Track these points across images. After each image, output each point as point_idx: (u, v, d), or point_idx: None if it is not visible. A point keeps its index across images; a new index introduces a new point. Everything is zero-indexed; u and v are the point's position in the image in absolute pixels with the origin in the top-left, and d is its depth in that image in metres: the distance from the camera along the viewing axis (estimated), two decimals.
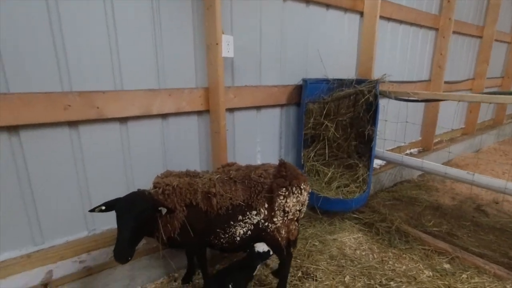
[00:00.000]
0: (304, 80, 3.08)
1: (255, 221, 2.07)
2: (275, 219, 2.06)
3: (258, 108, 3.11)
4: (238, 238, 2.09)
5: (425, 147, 5.26)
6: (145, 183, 2.50)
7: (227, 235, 2.07)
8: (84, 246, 2.32)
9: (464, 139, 6.02)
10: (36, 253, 2.14)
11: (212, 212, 2.00)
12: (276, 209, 2.02)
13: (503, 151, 6.61)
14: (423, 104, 5.21)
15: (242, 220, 2.05)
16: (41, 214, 2.14)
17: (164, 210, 1.81)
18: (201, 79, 2.64)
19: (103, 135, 2.25)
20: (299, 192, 2.06)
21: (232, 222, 2.05)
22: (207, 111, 2.71)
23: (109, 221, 2.43)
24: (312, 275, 2.56)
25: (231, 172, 2.14)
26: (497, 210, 3.88)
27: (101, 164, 2.29)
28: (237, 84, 2.87)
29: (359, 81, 3.16)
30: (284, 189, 2.00)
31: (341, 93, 3.00)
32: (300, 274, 2.56)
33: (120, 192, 2.42)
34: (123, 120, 2.32)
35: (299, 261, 2.73)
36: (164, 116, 2.52)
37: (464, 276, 2.53)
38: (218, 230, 2.05)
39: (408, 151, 5.14)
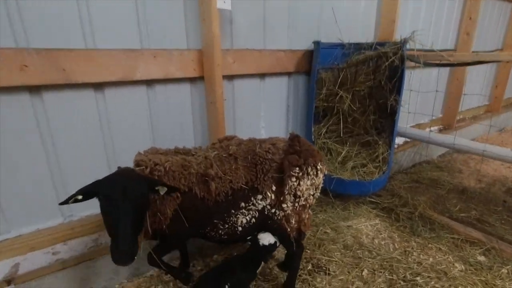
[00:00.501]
0: (316, 43, 2.61)
1: (260, 207, 1.71)
2: (284, 205, 1.70)
3: (262, 76, 2.67)
4: (240, 228, 1.74)
5: (447, 125, 4.78)
6: (130, 158, 2.14)
7: (226, 226, 1.72)
8: (59, 235, 1.99)
9: (488, 117, 5.49)
10: (0, 243, 1.82)
11: (209, 200, 1.63)
12: (286, 193, 1.66)
13: None
14: (446, 77, 4.69)
15: (245, 207, 1.70)
16: (5, 198, 1.80)
17: (162, 191, 1.44)
18: (194, 39, 2.21)
19: (74, 103, 1.87)
20: (315, 173, 1.67)
21: (233, 211, 1.69)
22: (201, 78, 2.29)
23: (88, 206, 2.09)
24: (324, 268, 2.21)
25: (230, 147, 1.75)
26: None
27: (74, 139, 1.92)
28: (237, 46, 2.43)
29: (379, 46, 2.68)
30: (297, 168, 1.62)
31: (360, 56, 2.54)
32: (310, 267, 2.21)
33: (101, 173, 2.07)
34: (99, 86, 1.92)
35: (308, 251, 2.38)
36: (149, 83, 2.12)
37: (503, 271, 2.15)
38: (216, 221, 1.69)
39: (427, 129, 4.67)
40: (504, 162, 2.42)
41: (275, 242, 1.80)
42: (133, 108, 2.09)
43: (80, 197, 1.32)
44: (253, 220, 1.73)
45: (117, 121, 2.05)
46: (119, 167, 1.55)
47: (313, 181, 1.69)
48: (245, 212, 1.70)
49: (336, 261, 2.28)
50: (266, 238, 1.78)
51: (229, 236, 1.76)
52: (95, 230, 2.11)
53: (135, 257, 1.31)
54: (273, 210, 1.72)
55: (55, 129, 1.85)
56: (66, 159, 1.93)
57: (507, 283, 2.04)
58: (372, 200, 3.05)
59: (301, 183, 1.64)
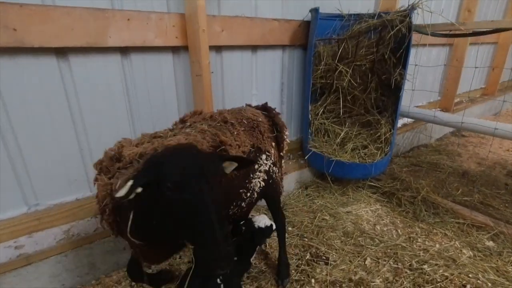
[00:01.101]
0: (314, 10, 2.34)
1: (267, 167, 1.64)
2: (282, 162, 1.81)
3: (253, 48, 2.41)
4: (255, 195, 1.60)
5: (445, 107, 4.62)
6: (105, 143, 1.87)
7: (248, 194, 1.54)
8: (23, 226, 1.73)
9: (484, 100, 5.37)
10: None
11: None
12: (284, 150, 1.78)
13: None
14: (445, 57, 4.50)
15: (257, 170, 1.58)
16: None
17: (230, 167, 1.13)
18: (176, 2, 1.92)
19: (33, 72, 1.58)
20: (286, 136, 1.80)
21: (251, 175, 1.53)
22: (185, 47, 2.01)
23: (56, 194, 1.83)
24: (323, 257, 2.03)
25: (223, 115, 1.53)
26: None
27: (34, 117, 1.64)
28: (224, 13, 2.15)
29: (381, 17, 2.43)
30: (286, 129, 1.77)
31: (362, 26, 2.29)
32: (308, 256, 2.02)
33: (71, 160, 1.82)
34: (61, 52, 1.63)
35: (306, 239, 2.19)
36: (124, 50, 1.83)
37: None
38: (241, 190, 1.50)
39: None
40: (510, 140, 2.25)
41: (271, 225, 1.68)
42: (105, 79, 1.81)
43: (140, 190, 0.96)
44: (263, 183, 1.61)
45: (87, 94, 1.77)
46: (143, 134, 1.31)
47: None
48: (259, 174, 1.59)
49: (336, 249, 2.10)
50: (262, 221, 1.65)
51: (248, 207, 1.61)
52: (66, 221, 1.86)
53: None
54: (274, 169, 1.71)
55: (9, 104, 1.56)
56: (25, 138, 1.65)
57: None
58: (372, 184, 2.87)
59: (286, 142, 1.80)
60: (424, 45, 3.88)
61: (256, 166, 1.57)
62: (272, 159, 1.66)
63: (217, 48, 2.20)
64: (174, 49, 2.01)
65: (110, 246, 1.87)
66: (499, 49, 5.42)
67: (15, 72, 1.53)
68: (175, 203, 0.96)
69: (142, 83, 1.95)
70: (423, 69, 3.56)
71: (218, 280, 1.42)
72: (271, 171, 1.68)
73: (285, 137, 1.75)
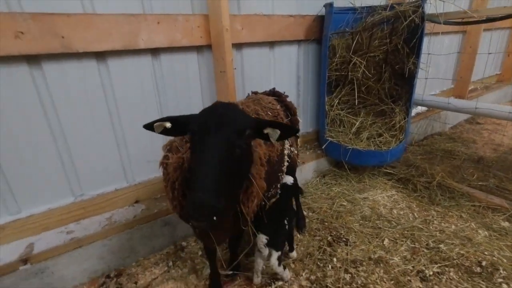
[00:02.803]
0: (329, 4, 2.44)
1: (286, 151, 1.76)
2: (298, 141, 2.04)
3: (271, 44, 2.53)
4: (283, 176, 1.78)
5: (459, 95, 4.62)
6: (137, 136, 2.05)
7: (281, 175, 1.71)
8: (71, 214, 1.93)
9: (500, 87, 5.32)
10: (12, 223, 1.76)
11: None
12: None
13: None
14: (458, 44, 4.50)
15: (282, 153, 1.70)
16: (12, 179, 1.72)
17: (274, 135, 1.09)
18: (199, 3, 2.06)
19: (77, 75, 1.75)
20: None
21: (281, 158, 1.68)
22: (208, 46, 2.15)
23: (98, 185, 2.02)
24: (344, 238, 2.15)
25: (253, 107, 1.66)
26: None
27: (79, 113, 1.82)
28: (244, 11, 2.28)
29: (394, 8, 2.50)
30: (296, 110, 1.94)
31: (375, 18, 2.37)
32: (329, 238, 2.16)
33: (108, 149, 2.00)
34: (101, 55, 1.80)
35: (326, 223, 2.32)
36: (154, 51, 1.99)
37: None
38: (279, 174, 1.66)
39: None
40: None
41: (295, 180, 1.99)
42: (138, 79, 1.98)
43: (168, 125, 1.06)
44: (287, 163, 1.77)
45: (123, 94, 1.94)
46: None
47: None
48: (285, 157, 1.73)
49: (355, 232, 2.22)
50: (288, 180, 1.91)
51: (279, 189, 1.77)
52: (108, 209, 2.05)
53: (215, 218, 0.95)
54: (291, 149, 1.85)
55: (58, 104, 1.74)
56: (72, 135, 1.83)
57: None
58: (387, 171, 2.97)
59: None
60: (437, 33, 3.91)
61: (281, 148, 1.67)
62: (290, 141, 1.83)
63: (238, 46, 2.33)
64: (198, 48, 2.16)
65: (148, 232, 2.05)
66: None
67: (60, 74, 1.71)
68: (193, 145, 1.07)
69: (170, 81, 2.11)
70: (436, 58, 3.60)
71: (285, 221, 1.73)
72: (290, 151, 1.85)
73: (299, 119, 1.93)
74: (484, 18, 2.13)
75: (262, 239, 1.62)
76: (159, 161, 1.38)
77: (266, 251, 1.63)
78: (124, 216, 2.03)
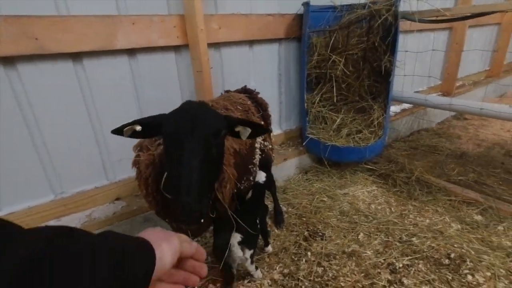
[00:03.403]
0: (306, 3, 2.48)
1: (260, 144, 1.84)
2: (271, 135, 2.05)
3: (250, 43, 2.57)
4: (256, 170, 1.82)
5: (446, 91, 4.67)
6: (118, 136, 2.09)
7: (254, 169, 1.75)
8: (52, 211, 1.98)
9: (489, 83, 5.37)
10: None
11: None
12: (269, 124, 1.98)
13: None
14: (445, 41, 4.54)
15: (255, 146, 1.78)
16: None
17: (245, 133, 1.14)
18: (175, 4, 2.10)
19: (53, 76, 1.79)
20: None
21: (253, 151, 1.73)
22: (186, 46, 2.19)
23: (79, 183, 2.07)
24: (320, 233, 2.21)
25: (222, 102, 1.71)
26: None
27: (57, 114, 1.86)
28: (222, 11, 2.31)
29: (370, 7, 2.53)
30: (268, 106, 1.99)
31: (352, 16, 2.41)
32: (306, 233, 2.21)
33: (89, 151, 2.04)
34: (77, 56, 1.84)
35: (304, 219, 2.37)
36: (131, 52, 2.03)
37: (500, 228, 2.14)
38: (250, 166, 1.70)
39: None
40: (503, 119, 2.35)
41: (270, 175, 2.06)
42: (116, 79, 2.02)
43: (138, 127, 1.05)
44: (259, 157, 1.82)
45: (101, 94, 1.98)
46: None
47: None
48: (256, 150, 1.79)
49: (332, 226, 2.28)
50: (260, 178, 1.93)
51: (253, 180, 1.81)
52: (88, 206, 2.10)
53: (202, 219, 1.02)
54: (265, 143, 1.90)
55: (35, 104, 1.79)
56: (50, 135, 1.88)
57: (502, 239, 2.04)
58: (369, 167, 3.02)
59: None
60: (421, 30, 3.95)
61: (252, 143, 1.73)
62: (263, 136, 1.83)
63: (216, 45, 2.37)
64: (176, 48, 2.20)
65: (128, 228, 2.10)
66: (503, 30, 5.38)
67: (36, 75, 1.75)
68: (167, 147, 1.07)
69: (148, 81, 2.15)
70: (422, 55, 3.64)
71: (257, 220, 1.78)
72: (262, 146, 1.89)
73: (270, 114, 1.98)
74: (456, 17, 2.17)
75: (237, 237, 1.67)
76: (132, 161, 1.42)
77: (239, 249, 1.68)
78: (104, 213, 2.08)
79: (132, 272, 0.48)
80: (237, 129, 1.14)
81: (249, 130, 1.13)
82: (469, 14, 2.19)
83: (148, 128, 1.08)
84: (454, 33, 4.34)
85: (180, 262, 0.62)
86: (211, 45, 2.30)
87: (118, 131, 1.06)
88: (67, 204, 2.02)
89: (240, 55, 2.53)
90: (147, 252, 0.53)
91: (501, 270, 1.78)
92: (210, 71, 2.16)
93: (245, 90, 2.00)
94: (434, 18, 2.33)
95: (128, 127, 1.05)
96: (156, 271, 0.52)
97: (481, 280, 1.72)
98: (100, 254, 0.45)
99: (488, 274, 1.76)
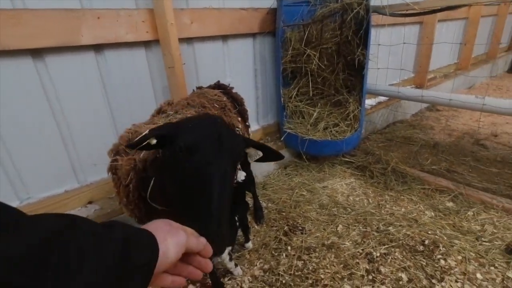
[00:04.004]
0: None
1: None
2: (249, 130, 1.96)
3: (224, 37, 2.52)
4: (238, 168, 1.74)
5: (419, 84, 4.82)
6: (86, 135, 2.00)
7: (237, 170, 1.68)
8: None
9: (459, 75, 5.59)
10: None
11: None
12: (247, 119, 1.94)
13: (496, 85, 6.27)
14: (416, 34, 4.67)
15: None
16: None
17: (254, 156, 1.06)
18: None
19: (10, 71, 1.67)
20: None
21: None
22: (156, 41, 2.12)
23: (47, 187, 1.96)
24: (300, 227, 2.22)
25: (199, 100, 1.65)
26: (496, 143, 3.59)
27: (17, 111, 1.74)
28: (193, 5, 2.25)
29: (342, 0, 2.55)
30: (244, 100, 1.95)
31: (325, 10, 2.42)
32: (286, 228, 2.21)
33: (59, 159, 1.93)
34: (37, 52, 1.73)
35: (284, 213, 2.37)
36: (97, 48, 1.93)
37: (469, 213, 2.24)
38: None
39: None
40: (469, 109, 2.45)
41: (250, 172, 2.05)
42: (83, 77, 1.91)
43: (154, 141, 0.92)
44: None
45: (67, 92, 1.87)
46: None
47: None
48: None
49: (312, 220, 2.29)
50: (240, 176, 1.85)
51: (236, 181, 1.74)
52: (58, 211, 1.99)
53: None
54: None
55: None
56: (12, 138, 1.76)
57: (472, 224, 2.13)
58: (347, 160, 3.07)
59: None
60: (394, 24, 4.04)
61: None
62: (241, 132, 1.81)
63: (188, 40, 2.31)
64: (146, 44, 2.12)
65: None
66: (469, 24, 5.61)
67: None
68: (184, 164, 0.89)
69: (118, 78, 2.06)
70: (395, 48, 3.73)
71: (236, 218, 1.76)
72: None
73: (247, 109, 1.94)
74: (427, 10, 2.23)
75: None
76: (108, 166, 1.34)
77: None
78: None
79: (134, 264, 0.48)
80: (248, 150, 1.05)
81: (260, 154, 1.05)
82: (437, 8, 2.25)
83: (163, 141, 0.94)
84: (424, 27, 4.48)
85: (185, 256, 0.60)
86: (183, 40, 2.24)
87: (133, 146, 0.94)
88: (35, 210, 1.91)
89: (214, 50, 2.48)
90: (151, 245, 0.52)
91: (471, 253, 1.86)
92: (182, 67, 2.10)
93: (218, 86, 1.95)
94: (404, 12, 2.37)
95: (145, 143, 0.91)
96: (159, 266, 0.52)
97: (452, 264, 1.79)
98: (102, 244, 0.46)
99: (459, 257, 1.83)
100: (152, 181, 1.16)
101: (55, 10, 1.68)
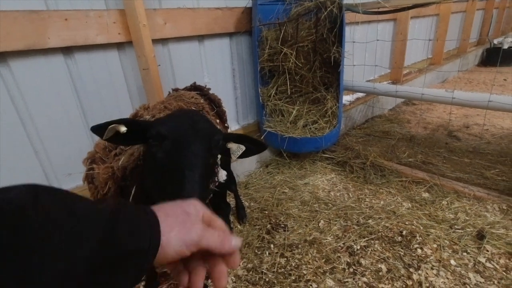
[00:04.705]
0: None
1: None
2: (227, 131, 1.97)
3: (200, 38, 2.49)
4: (218, 169, 1.72)
5: (395, 79, 4.96)
6: (59, 142, 1.93)
7: (218, 171, 1.66)
8: None
9: (432, 69, 5.80)
10: None
11: None
12: (225, 121, 1.93)
13: (467, 79, 6.55)
14: (391, 31, 4.80)
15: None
16: None
17: (237, 151, 1.05)
18: None
19: None
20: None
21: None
22: (129, 42, 2.07)
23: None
24: (282, 225, 2.23)
25: (176, 103, 1.62)
26: (468, 134, 3.75)
27: None
28: (166, 6, 2.21)
29: None
30: (221, 101, 1.92)
31: (299, 9, 2.45)
32: (269, 226, 2.22)
33: (30, 168, 1.85)
34: (0, 57, 1.65)
35: (266, 212, 2.38)
36: (66, 50, 1.86)
37: (444, 202, 2.33)
38: (215, 166, 1.63)
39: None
40: (440, 103, 2.55)
41: (230, 172, 2.03)
42: (52, 81, 1.84)
43: (123, 129, 0.89)
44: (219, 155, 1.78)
45: (35, 98, 1.80)
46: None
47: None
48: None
49: (294, 217, 2.31)
50: (221, 177, 1.84)
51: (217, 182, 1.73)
52: None
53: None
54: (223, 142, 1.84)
55: None
56: None
57: (446, 213, 2.21)
58: (327, 156, 3.11)
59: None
60: (369, 21, 4.14)
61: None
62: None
63: (163, 41, 2.27)
64: (118, 45, 2.06)
65: None
66: (440, 20, 5.83)
67: None
68: (158, 156, 0.90)
69: (90, 81, 2.00)
70: (371, 45, 3.82)
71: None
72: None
73: (225, 109, 1.91)
74: (396, 8, 2.30)
75: None
76: (84, 175, 1.30)
77: None
78: None
79: (121, 251, 0.40)
80: (229, 145, 1.04)
81: (243, 148, 1.03)
82: (408, 6, 2.32)
83: (134, 131, 0.92)
84: (398, 24, 4.61)
85: (205, 253, 0.50)
86: (158, 41, 2.20)
87: (99, 129, 0.89)
88: None
89: (190, 51, 2.45)
90: (147, 232, 0.43)
91: (446, 241, 1.93)
92: (157, 69, 2.06)
93: (195, 87, 1.93)
94: (376, 10, 2.43)
95: (113, 125, 0.88)
96: (156, 260, 0.43)
97: (428, 252, 1.86)
98: (71, 223, 0.39)
99: (435, 246, 1.90)
100: (133, 190, 1.13)
101: (18, 11, 1.61)
